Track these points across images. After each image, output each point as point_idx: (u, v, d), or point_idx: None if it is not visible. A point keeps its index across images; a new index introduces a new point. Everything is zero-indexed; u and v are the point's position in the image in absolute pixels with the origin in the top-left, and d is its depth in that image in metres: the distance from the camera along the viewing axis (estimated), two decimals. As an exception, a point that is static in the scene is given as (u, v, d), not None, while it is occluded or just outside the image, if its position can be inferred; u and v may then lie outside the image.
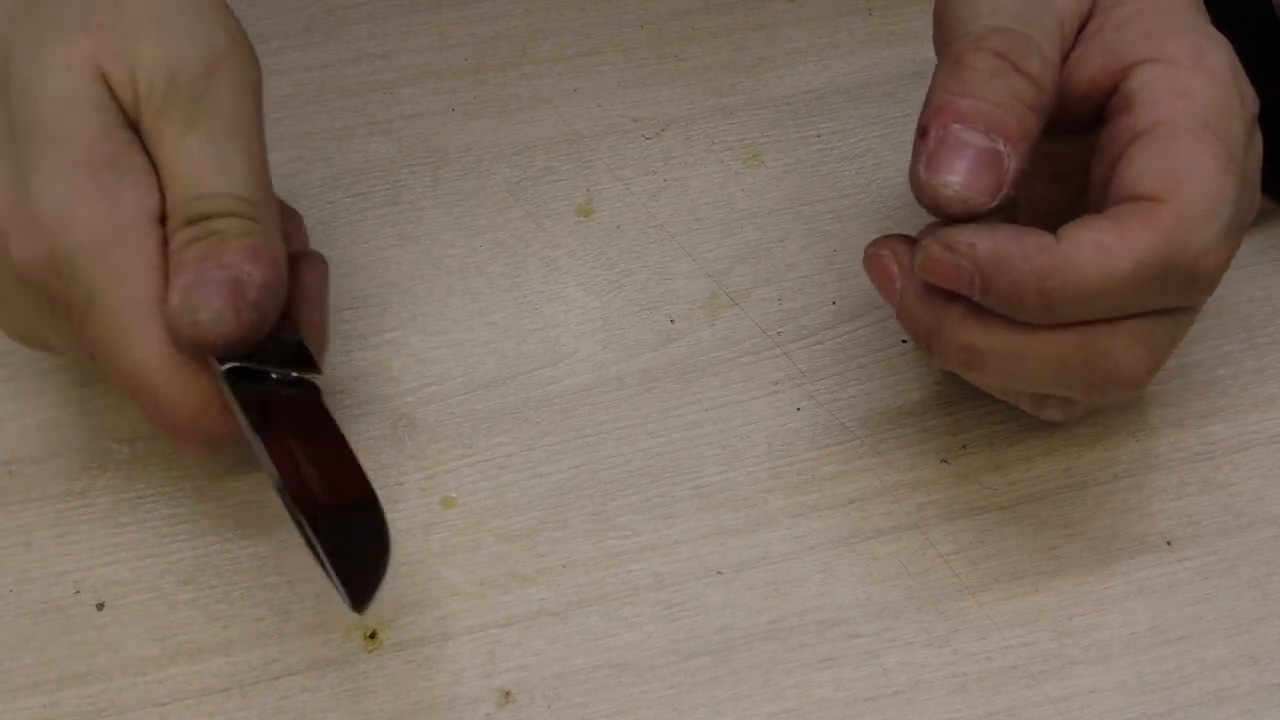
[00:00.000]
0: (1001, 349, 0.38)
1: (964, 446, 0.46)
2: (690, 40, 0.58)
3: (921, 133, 0.38)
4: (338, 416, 0.47)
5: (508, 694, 0.42)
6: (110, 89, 0.38)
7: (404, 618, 0.43)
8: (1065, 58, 0.40)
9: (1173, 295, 0.38)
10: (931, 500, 0.45)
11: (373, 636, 0.43)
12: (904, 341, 0.48)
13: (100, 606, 0.43)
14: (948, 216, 0.38)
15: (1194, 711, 0.41)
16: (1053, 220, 0.38)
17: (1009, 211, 0.45)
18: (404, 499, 0.45)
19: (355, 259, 0.51)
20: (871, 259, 0.41)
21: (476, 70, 0.57)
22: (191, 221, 0.38)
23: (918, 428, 0.47)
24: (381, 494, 0.45)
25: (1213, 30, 0.40)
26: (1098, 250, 0.37)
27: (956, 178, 0.37)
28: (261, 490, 0.45)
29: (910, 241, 0.41)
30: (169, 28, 0.38)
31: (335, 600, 0.43)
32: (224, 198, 0.38)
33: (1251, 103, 0.39)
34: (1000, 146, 0.37)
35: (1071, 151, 0.42)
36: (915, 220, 0.51)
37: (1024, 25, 0.38)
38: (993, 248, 0.37)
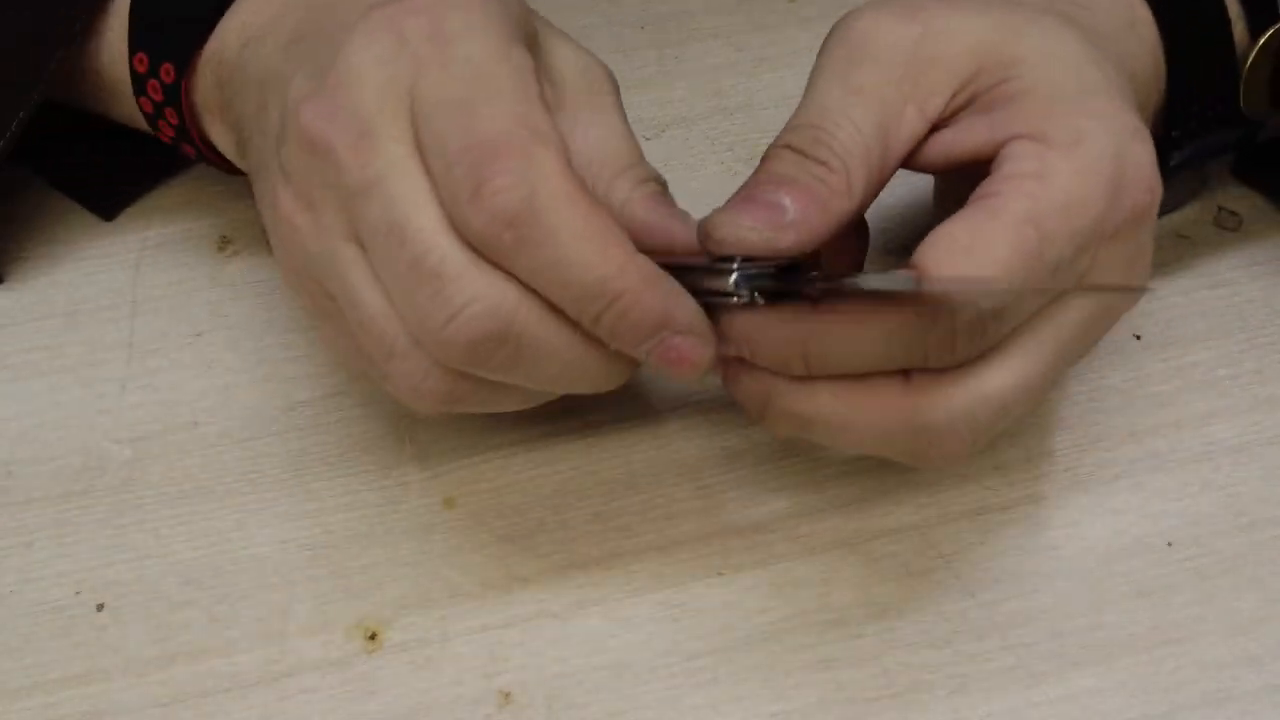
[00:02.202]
0: (828, 416, 0.39)
1: (964, 447, 0.46)
2: (690, 40, 0.58)
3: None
4: (339, 417, 0.47)
5: (508, 695, 0.42)
6: None
7: (404, 618, 0.43)
8: (928, 130, 0.40)
9: (925, 356, 0.38)
10: (932, 501, 0.45)
11: (373, 637, 0.43)
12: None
13: (100, 607, 0.43)
14: (734, 251, 0.38)
15: (1195, 712, 0.41)
16: None
17: None
18: (405, 499, 0.45)
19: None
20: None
21: (477, 70, 0.57)
22: (644, 181, 0.40)
23: (918, 428, 0.47)
24: (382, 494, 0.45)
25: (1117, 111, 0.39)
26: (849, 320, 0.37)
27: (742, 218, 0.38)
28: (261, 491, 0.45)
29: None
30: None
31: (336, 600, 0.43)
32: (651, 168, 0.41)
33: (1137, 195, 0.39)
34: (783, 200, 0.38)
35: None
36: (915, 221, 0.51)
37: (823, 121, 0.39)
38: (746, 324, 0.39)
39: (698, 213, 0.53)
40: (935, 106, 0.40)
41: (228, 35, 0.45)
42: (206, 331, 0.49)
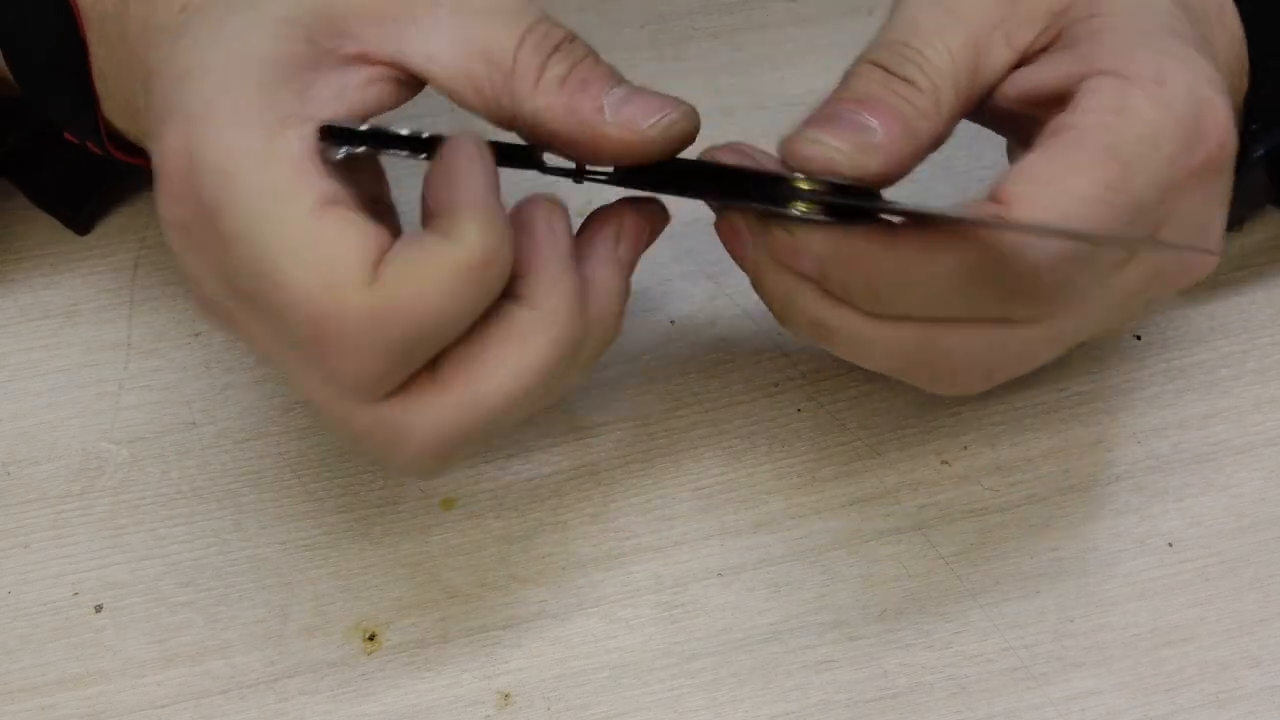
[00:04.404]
0: (848, 331, 0.39)
1: (965, 447, 0.46)
2: (690, 40, 0.58)
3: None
4: (337, 418, 0.47)
5: (507, 695, 0.42)
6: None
7: (403, 619, 0.43)
8: (1014, 64, 0.39)
9: (1006, 305, 0.37)
10: (932, 501, 0.45)
11: (372, 638, 0.43)
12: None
13: (99, 608, 0.43)
14: (820, 173, 0.37)
15: (1196, 714, 0.41)
16: None
17: None
18: (404, 500, 0.45)
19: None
20: (724, 225, 0.41)
21: (476, 70, 0.57)
22: (557, 48, 0.38)
23: (918, 429, 0.47)
24: (381, 495, 0.45)
25: (1200, 59, 0.38)
26: (923, 247, 0.36)
27: (824, 135, 0.37)
28: (260, 492, 0.45)
29: (764, 214, 0.40)
30: None
31: (335, 601, 0.43)
32: (557, 25, 0.38)
33: (1211, 145, 0.37)
34: (869, 121, 0.37)
35: None
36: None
37: (912, 38, 0.38)
38: (826, 239, 0.37)
39: (698, 210, 0.53)
40: (1024, 39, 0.39)
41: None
42: (204, 332, 0.49)
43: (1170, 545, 0.44)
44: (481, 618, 0.43)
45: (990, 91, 0.39)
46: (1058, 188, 0.35)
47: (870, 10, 0.58)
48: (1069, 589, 0.43)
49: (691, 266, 0.51)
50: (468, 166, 0.35)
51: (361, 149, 0.37)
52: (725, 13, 0.59)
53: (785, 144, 0.38)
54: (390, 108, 0.39)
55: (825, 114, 0.38)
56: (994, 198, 0.36)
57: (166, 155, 0.36)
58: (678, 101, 0.38)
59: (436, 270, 0.34)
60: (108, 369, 0.48)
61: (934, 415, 0.47)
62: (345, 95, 0.37)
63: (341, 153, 0.36)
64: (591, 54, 0.38)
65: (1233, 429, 0.47)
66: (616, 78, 0.38)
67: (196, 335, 0.49)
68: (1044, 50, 0.39)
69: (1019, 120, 0.40)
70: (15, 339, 0.49)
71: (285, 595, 0.43)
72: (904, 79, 0.38)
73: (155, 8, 0.40)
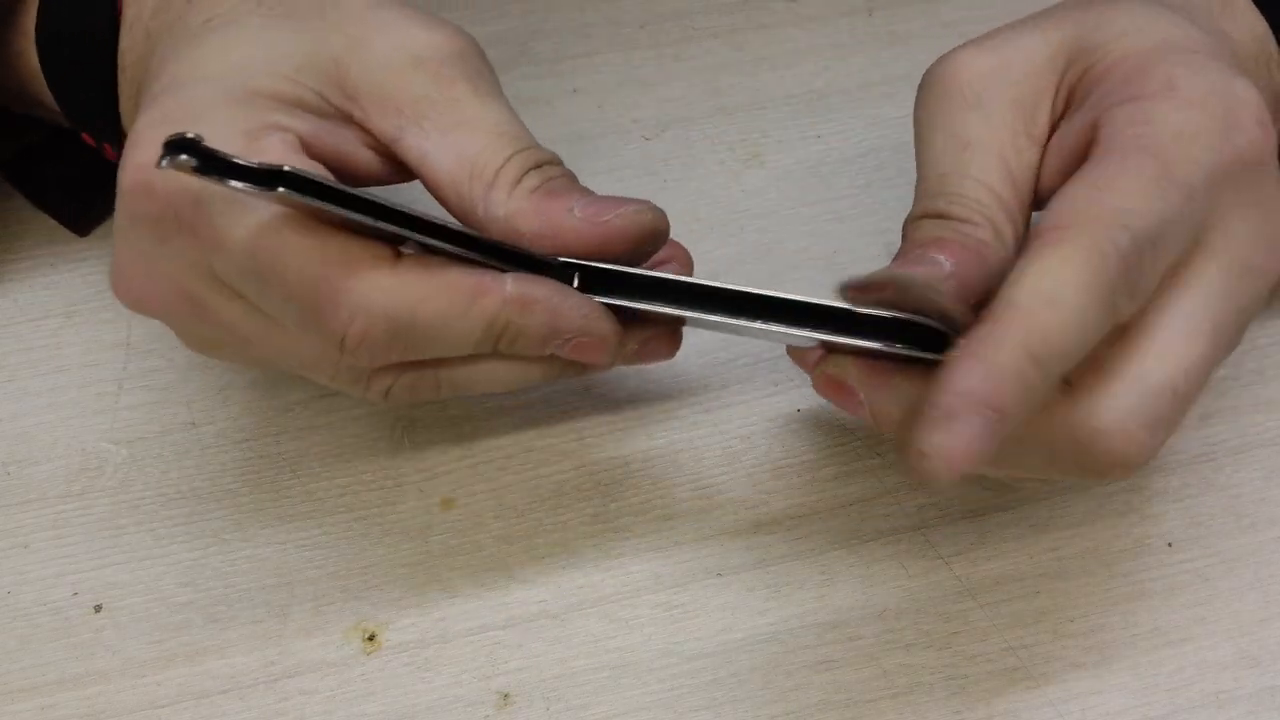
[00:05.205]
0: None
1: (964, 448, 0.46)
2: (690, 40, 0.58)
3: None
4: (336, 417, 0.47)
5: (507, 696, 0.42)
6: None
7: (403, 619, 0.43)
8: (1043, 150, 0.40)
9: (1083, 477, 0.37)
10: (932, 502, 0.45)
11: (371, 638, 0.43)
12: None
13: (98, 608, 0.43)
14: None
15: (1195, 714, 0.41)
16: None
17: None
18: (403, 500, 0.45)
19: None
20: (827, 379, 0.40)
21: (476, 70, 0.57)
22: (539, 166, 0.39)
23: (918, 429, 0.47)
24: (380, 495, 0.45)
25: (1206, 56, 0.38)
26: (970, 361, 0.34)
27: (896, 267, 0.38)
28: (260, 492, 0.45)
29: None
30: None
31: (334, 602, 0.43)
32: (544, 150, 0.40)
33: (1250, 129, 0.37)
34: (937, 256, 0.37)
35: None
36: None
37: (945, 185, 0.39)
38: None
39: (698, 212, 0.53)
40: (1042, 126, 0.39)
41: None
42: (205, 332, 0.49)
43: (1170, 545, 0.44)
44: (481, 618, 0.43)
45: (1038, 182, 0.40)
46: (1108, 192, 0.35)
47: (870, 10, 0.58)
48: (1068, 589, 0.43)
49: (691, 266, 0.51)
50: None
51: (186, 158, 0.33)
52: (725, 13, 0.59)
53: (852, 282, 0.35)
54: (374, 181, 0.41)
55: (898, 259, 0.38)
56: (1047, 223, 0.35)
57: (139, 146, 0.37)
58: (643, 200, 0.40)
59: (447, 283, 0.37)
60: (107, 369, 0.48)
61: (934, 415, 0.47)
62: (342, 144, 0.39)
63: (164, 163, 0.33)
64: (568, 174, 0.40)
65: (1232, 429, 0.47)
66: (588, 191, 0.40)
67: (196, 335, 0.49)
68: (1063, 117, 0.40)
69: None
70: (15, 339, 0.49)
71: (285, 595, 0.43)
72: (959, 219, 0.38)
73: (185, 15, 0.41)
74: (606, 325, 0.39)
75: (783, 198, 0.53)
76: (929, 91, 0.41)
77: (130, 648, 0.42)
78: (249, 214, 0.36)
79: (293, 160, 0.37)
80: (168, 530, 0.45)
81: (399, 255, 0.38)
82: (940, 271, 0.37)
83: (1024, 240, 0.37)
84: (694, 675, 0.42)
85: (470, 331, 0.38)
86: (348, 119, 0.40)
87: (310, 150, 0.38)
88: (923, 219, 0.39)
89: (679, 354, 0.43)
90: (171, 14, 0.42)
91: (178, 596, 0.43)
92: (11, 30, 0.46)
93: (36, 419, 0.47)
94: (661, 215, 0.40)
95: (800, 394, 0.47)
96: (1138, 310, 0.36)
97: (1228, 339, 0.38)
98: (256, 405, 0.47)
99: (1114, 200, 0.35)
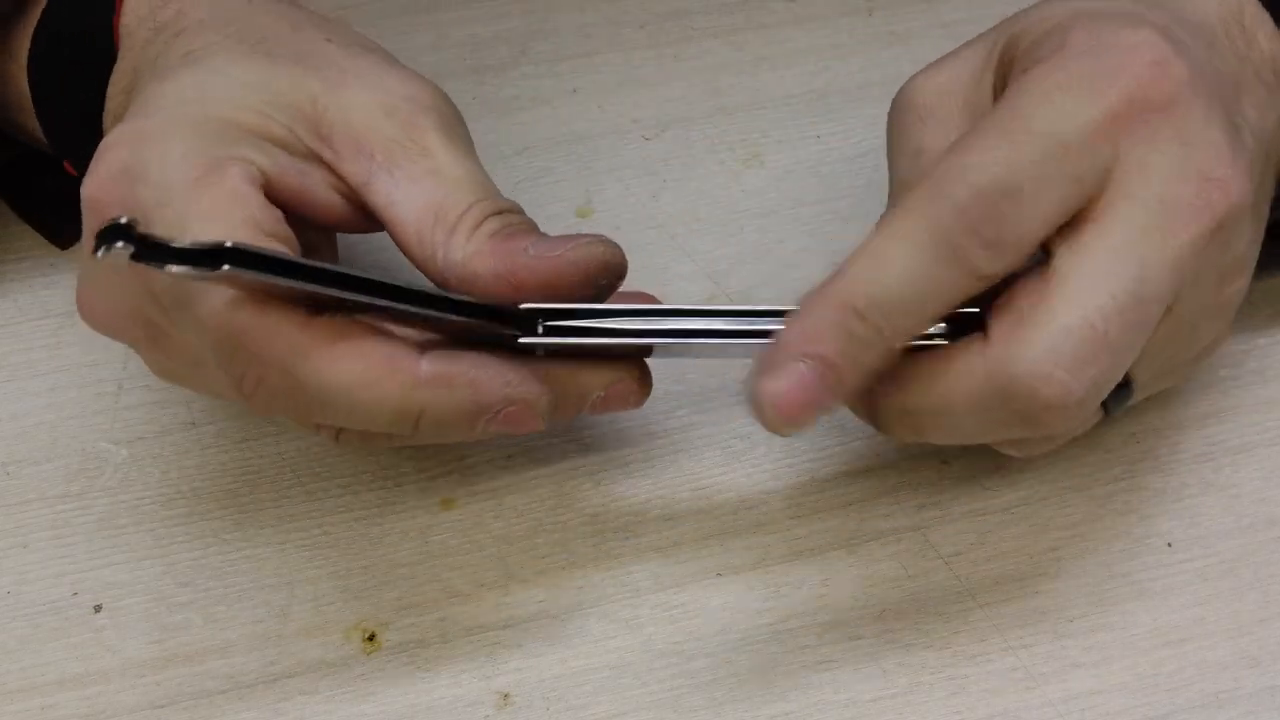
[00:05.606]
0: (923, 403, 0.39)
1: (964, 448, 0.46)
2: (690, 40, 0.58)
3: None
4: (336, 418, 0.47)
5: (506, 696, 0.42)
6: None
7: (403, 619, 0.43)
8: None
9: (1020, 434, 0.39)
10: (932, 502, 0.45)
11: (371, 638, 0.43)
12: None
13: (98, 608, 0.43)
14: None
15: (1195, 714, 0.41)
16: None
17: None
18: (403, 500, 0.45)
19: (353, 259, 0.50)
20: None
21: (476, 70, 0.57)
22: (499, 213, 0.40)
23: (918, 429, 0.47)
24: (380, 495, 0.45)
25: (1109, 20, 0.38)
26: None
27: None
28: (259, 492, 0.45)
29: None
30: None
31: (334, 602, 0.43)
32: (506, 200, 0.41)
33: (1145, 74, 0.37)
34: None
35: None
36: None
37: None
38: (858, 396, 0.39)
39: (698, 212, 0.53)
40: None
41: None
42: (205, 332, 0.49)
43: (1169, 545, 0.44)
44: (481, 618, 0.43)
45: None
46: (956, 152, 0.37)
47: (870, 10, 0.58)
48: (1068, 589, 0.43)
49: (692, 266, 0.51)
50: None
51: (122, 246, 0.33)
52: (725, 13, 0.59)
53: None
54: (335, 226, 0.41)
55: None
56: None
57: (108, 148, 0.38)
58: (597, 234, 0.40)
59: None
60: (107, 369, 0.48)
61: (933, 415, 0.47)
62: (309, 184, 0.40)
63: (100, 253, 0.32)
64: (529, 222, 0.40)
65: (1232, 429, 0.47)
66: (546, 235, 0.40)
67: (196, 335, 0.49)
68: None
69: None
70: (15, 339, 0.49)
71: (285, 595, 0.43)
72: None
73: (168, 49, 0.42)
74: (533, 388, 0.39)
75: (783, 198, 0.53)
76: (892, 113, 0.43)
77: (130, 648, 0.42)
78: None
79: (241, 203, 0.37)
80: (168, 530, 0.45)
81: (319, 313, 0.37)
82: None
83: None
84: (694, 675, 0.42)
85: (379, 406, 0.37)
86: (317, 160, 0.40)
87: (273, 186, 0.39)
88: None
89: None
90: (156, 48, 0.42)
91: (178, 596, 0.43)
92: (2, 54, 0.46)
93: (36, 419, 0.47)
94: (615, 247, 0.40)
95: (800, 394, 0.47)
96: (1033, 260, 0.37)
97: (1164, 274, 0.37)
98: (256, 405, 0.47)
99: (958, 158, 0.37)
